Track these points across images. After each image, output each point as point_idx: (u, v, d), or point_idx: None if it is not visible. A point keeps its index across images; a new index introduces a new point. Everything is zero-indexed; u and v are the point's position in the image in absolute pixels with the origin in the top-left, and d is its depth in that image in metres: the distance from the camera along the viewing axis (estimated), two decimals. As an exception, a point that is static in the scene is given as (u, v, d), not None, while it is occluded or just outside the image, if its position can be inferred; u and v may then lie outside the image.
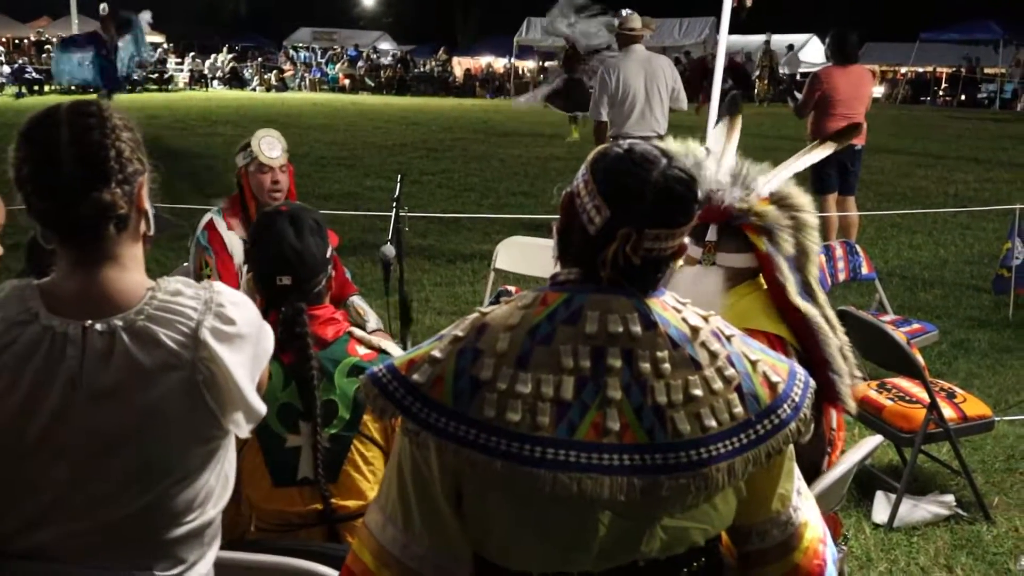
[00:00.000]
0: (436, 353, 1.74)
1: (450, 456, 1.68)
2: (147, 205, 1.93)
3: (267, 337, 2.02)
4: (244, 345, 1.90)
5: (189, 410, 1.84)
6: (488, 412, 1.66)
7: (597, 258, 1.75)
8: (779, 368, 1.82)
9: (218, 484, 1.98)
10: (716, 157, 2.82)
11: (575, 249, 1.81)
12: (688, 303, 1.85)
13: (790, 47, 35.15)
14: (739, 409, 1.72)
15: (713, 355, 1.75)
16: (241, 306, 1.93)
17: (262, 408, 1.93)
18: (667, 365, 1.71)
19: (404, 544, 1.79)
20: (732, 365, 1.75)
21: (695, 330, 1.77)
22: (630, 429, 1.67)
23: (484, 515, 1.75)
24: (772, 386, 1.77)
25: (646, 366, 1.70)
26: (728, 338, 1.81)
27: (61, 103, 1.90)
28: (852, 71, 8.65)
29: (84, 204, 1.81)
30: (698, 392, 1.70)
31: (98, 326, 1.81)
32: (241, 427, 1.93)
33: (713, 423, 1.69)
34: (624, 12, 8.69)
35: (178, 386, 1.82)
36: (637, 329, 1.72)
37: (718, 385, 1.72)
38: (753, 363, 1.78)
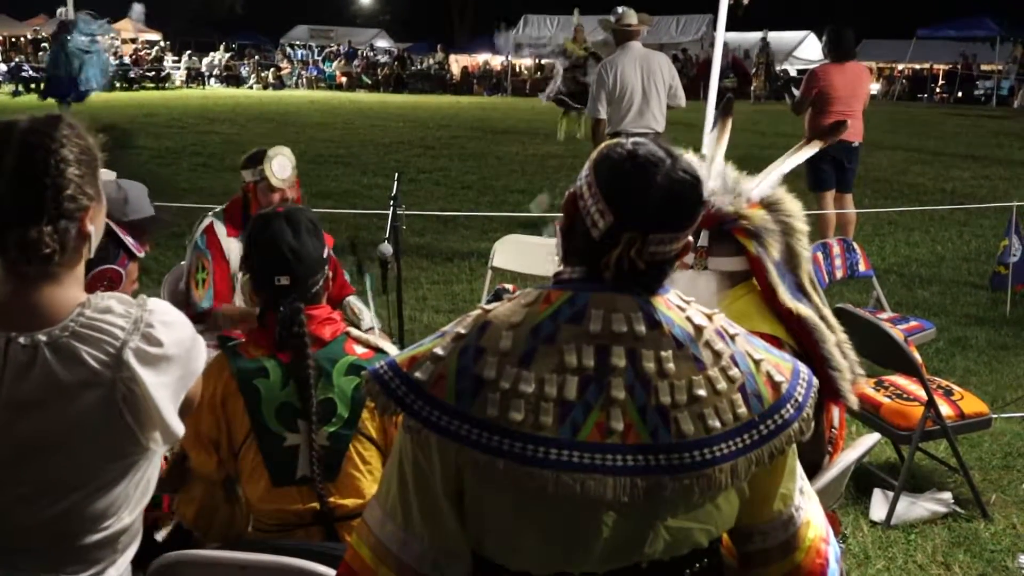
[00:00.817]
0: (438, 350, 1.74)
1: (452, 455, 1.67)
2: (91, 230, 1.92)
3: (197, 356, 2.01)
4: (169, 367, 1.89)
5: (107, 427, 1.84)
6: (491, 411, 1.65)
7: (601, 260, 1.75)
8: (783, 367, 1.81)
9: (136, 491, 1.97)
10: (707, 161, 2.82)
11: (579, 249, 1.79)
12: (692, 301, 1.84)
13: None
14: (743, 409, 1.71)
15: (717, 355, 1.74)
16: (172, 326, 1.93)
17: (180, 429, 1.93)
18: (671, 365, 1.70)
19: (403, 541, 1.78)
20: (736, 365, 1.75)
21: (699, 329, 1.76)
22: (634, 429, 1.66)
23: (485, 514, 1.74)
24: (775, 386, 1.76)
25: (650, 366, 1.69)
26: (732, 337, 1.80)
27: (20, 121, 1.88)
28: (849, 68, 8.64)
29: (12, 234, 1.82)
30: (702, 392, 1.69)
31: (21, 339, 1.81)
32: (159, 445, 1.93)
33: (717, 423, 1.69)
34: (620, 9, 8.66)
35: (96, 403, 1.82)
36: (641, 328, 1.71)
37: (722, 385, 1.71)
38: (757, 362, 1.78)
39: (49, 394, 1.80)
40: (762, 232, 2.69)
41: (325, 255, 2.78)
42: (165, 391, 1.88)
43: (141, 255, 3.38)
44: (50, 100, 15.08)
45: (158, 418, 1.87)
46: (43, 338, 1.82)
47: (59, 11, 17.65)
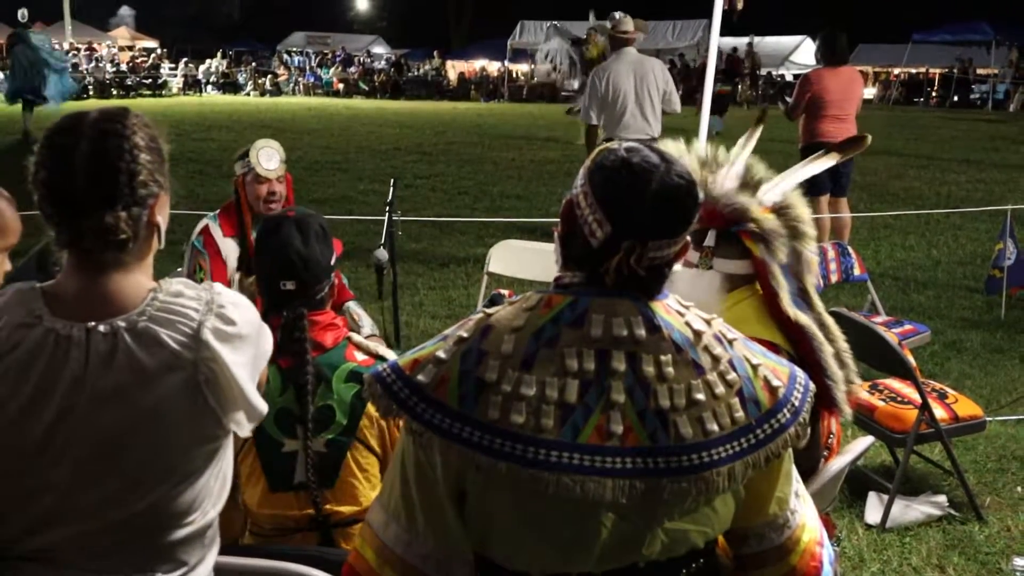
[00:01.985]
0: (440, 354, 1.75)
1: (454, 457, 1.68)
2: (160, 221, 1.95)
3: (266, 338, 2.04)
4: (245, 345, 1.91)
5: (191, 410, 1.85)
6: (492, 414, 1.67)
7: (600, 266, 1.76)
8: (780, 372, 1.83)
9: (216, 484, 1.99)
10: (727, 162, 2.82)
11: (578, 256, 1.81)
12: (691, 306, 1.85)
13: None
14: (740, 413, 1.73)
15: (715, 359, 1.76)
16: (241, 307, 1.95)
17: (263, 407, 1.95)
18: (670, 369, 1.72)
19: (407, 543, 1.79)
20: (734, 369, 1.76)
21: (698, 334, 1.78)
22: (633, 432, 1.68)
23: (487, 515, 1.76)
24: (772, 390, 1.78)
25: (650, 369, 1.71)
26: (730, 342, 1.81)
27: (90, 111, 1.91)
28: (842, 72, 8.65)
29: (88, 221, 1.83)
30: (700, 396, 1.71)
31: (101, 327, 1.82)
32: (243, 426, 1.94)
33: (715, 427, 1.70)
34: (616, 15, 8.68)
35: (180, 386, 1.83)
36: (641, 332, 1.73)
37: (720, 389, 1.73)
38: (754, 367, 1.79)
39: (134, 381, 1.81)
40: (770, 237, 2.69)
41: (333, 262, 2.78)
42: (244, 370, 1.89)
43: None
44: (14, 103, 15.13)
45: (240, 396, 1.88)
46: (122, 324, 1.83)
47: (20, 12, 17.63)
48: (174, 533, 1.92)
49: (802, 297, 2.72)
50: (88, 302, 1.86)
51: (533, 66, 38.17)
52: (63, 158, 1.83)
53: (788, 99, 9.01)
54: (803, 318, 2.66)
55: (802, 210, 2.79)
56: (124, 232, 1.85)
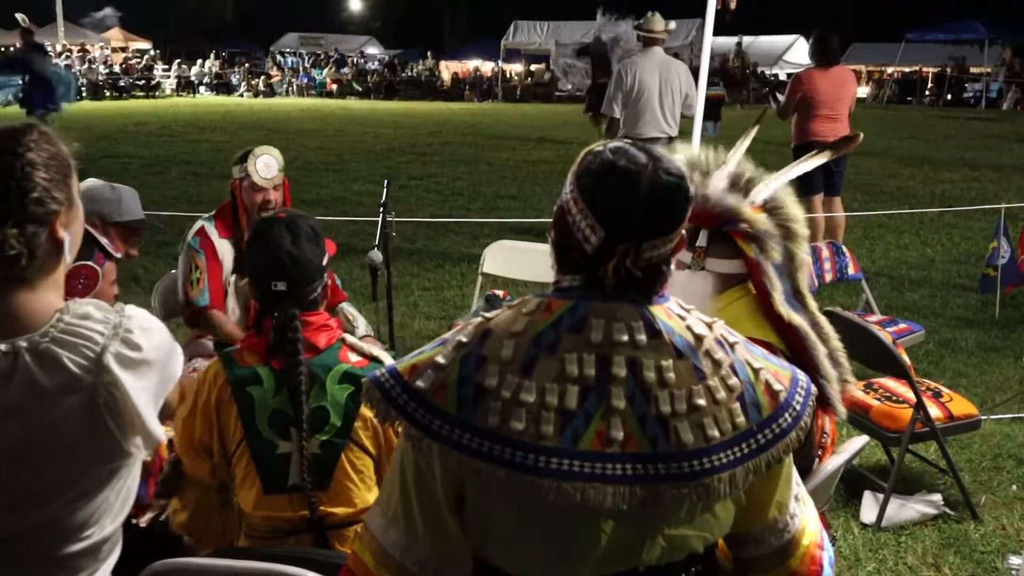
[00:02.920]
0: (439, 359, 1.73)
1: (453, 463, 1.67)
2: (64, 236, 1.94)
3: (175, 362, 2.03)
4: (149, 371, 1.91)
5: (89, 432, 1.86)
6: (492, 420, 1.65)
7: (598, 271, 1.74)
8: (782, 375, 1.81)
9: (118, 500, 1.99)
10: (719, 163, 2.82)
11: (574, 261, 1.78)
12: (692, 309, 1.84)
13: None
14: (741, 419, 1.71)
15: (717, 364, 1.74)
16: (150, 332, 1.95)
17: (161, 435, 1.95)
18: (671, 374, 1.70)
19: (406, 547, 1.78)
20: (735, 374, 1.75)
21: (699, 338, 1.76)
22: (633, 438, 1.66)
23: (486, 520, 1.75)
24: (774, 395, 1.76)
25: (650, 375, 1.69)
26: (732, 346, 1.80)
27: None
28: (834, 72, 8.68)
29: None
30: (701, 402, 1.70)
31: (2, 346, 1.82)
32: (140, 450, 1.95)
33: (716, 433, 1.69)
34: (648, 14, 8.77)
35: (78, 408, 1.83)
36: (642, 338, 1.71)
37: (721, 395, 1.71)
38: (756, 371, 1.78)
39: (31, 400, 1.81)
40: (762, 236, 2.69)
41: (325, 262, 2.78)
42: (145, 395, 1.89)
43: (118, 255, 3.37)
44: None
45: (139, 423, 1.89)
46: (23, 344, 1.83)
47: (20, 17, 17.52)
48: (68, 547, 1.92)
49: (796, 297, 2.72)
50: None
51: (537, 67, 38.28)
52: None
53: (780, 98, 9.02)
54: (796, 318, 2.65)
55: (794, 209, 2.78)
56: (13, 248, 1.85)
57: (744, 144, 2.91)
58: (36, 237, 1.88)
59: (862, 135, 3.09)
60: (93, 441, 1.87)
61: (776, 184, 2.82)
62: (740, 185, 2.77)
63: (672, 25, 8.83)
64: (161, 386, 1.97)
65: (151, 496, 2.95)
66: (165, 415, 2.00)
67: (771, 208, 2.76)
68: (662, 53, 8.69)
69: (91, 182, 3.77)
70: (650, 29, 8.67)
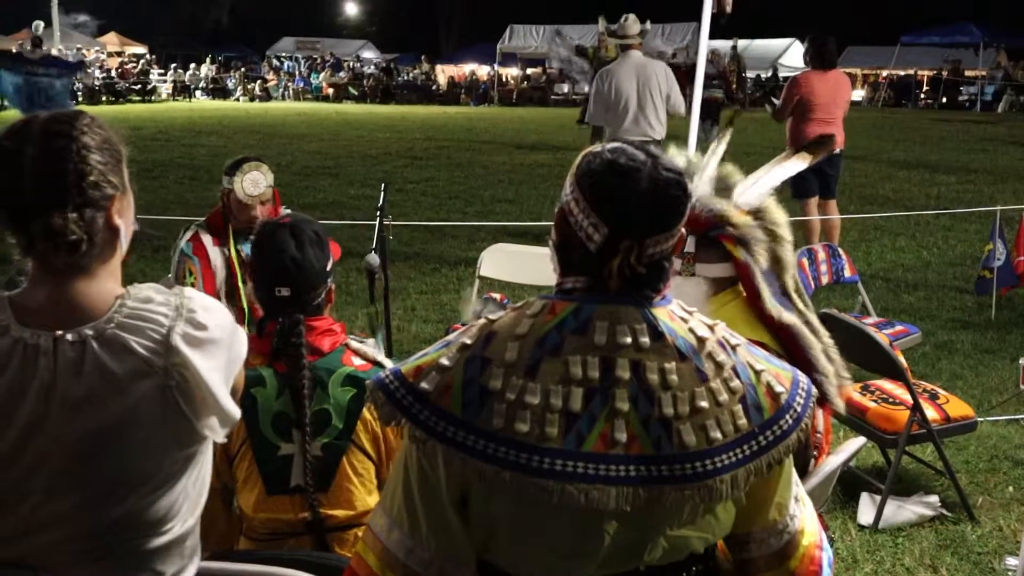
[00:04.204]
0: (444, 361, 1.74)
1: (457, 465, 1.68)
2: (119, 223, 1.92)
3: (240, 341, 2.01)
4: (216, 350, 1.90)
5: (163, 416, 1.84)
6: (497, 422, 1.66)
7: (602, 270, 1.76)
8: (783, 377, 1.82)
9: (195, 491, 1.98)
10: (700, 167, 2.83)
11: (577, 262, 1.79)
12: (695, 312, 1.85)
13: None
14: (743, 421, 1.73)
15: (719, 366, 1.75)
16: (212, 311, 1.93)
17: (236, 412, 1.93)
18: (674, 376, 1.71)
19: (410, 549, 1.79)
20: (737, 376, 1.76)
21: (702, 341, 1.77)
22: (637, 440, 1.67)
23: (489, 522, 1.75)
24: (775, 397, 1.77)
25: (654, 377, 1.70)
26: (734, 348, 1.81)
27: (38, 116, 1.89)
28: (830, 76, 8.69)
29: (36, 224, 1.81)
30: (704, 404, 1.71)
31: (69, 336, 1.81)
32: (216, 432, 1.92)
33: (718, 435, 1.70)
34: (623, 19, 8.76)
35: (151, 392, 1.82)
36: (645, 340, 1.72)
37: (723, 397, 1.73)
38: (758, 373, 1.79)
39: (104, 388, 1.80)
40: (749, 239, 2.70)
41: (329, 267, 2.78)
42: (216, 374, 1.87)
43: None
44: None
45: (213, 402, 1.87)
46: (90, 332, 1.81)
47: (34, 24, 17.52)
48: (152, 541, 1.91)
49: (785, 296, 2.74)
50: (54, 310, 1.84)
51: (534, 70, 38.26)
52: (11, 161, 1.82)
53: (776, 101, 9.04)
54: (788, 316, 2.67)
55: (778, 214, 2.80)
56: (74, 233, 1.82)
57: (720, 147, 2.93)
58: (94, 223, 1.86)
59: (837, 137, 3.10)
60: (168, 425, 1.85)
61: (760, 188, 2.83)
62: (723, 188, 2.79)
63: (648, 26, 8.83)
64: (230, 365, 1.95)
65: None
66: (234, 397, 1.97)
67: (755, 212, 2.78)
68: (639, 56, 8.68)
69: None
70: (624, 35, 8.70)
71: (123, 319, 1.84)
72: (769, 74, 36.51)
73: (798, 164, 3.03)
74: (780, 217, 2.80)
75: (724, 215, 2.72)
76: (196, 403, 1.86)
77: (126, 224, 1.95)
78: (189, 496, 1.96)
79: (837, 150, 8.52)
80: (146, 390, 1.82)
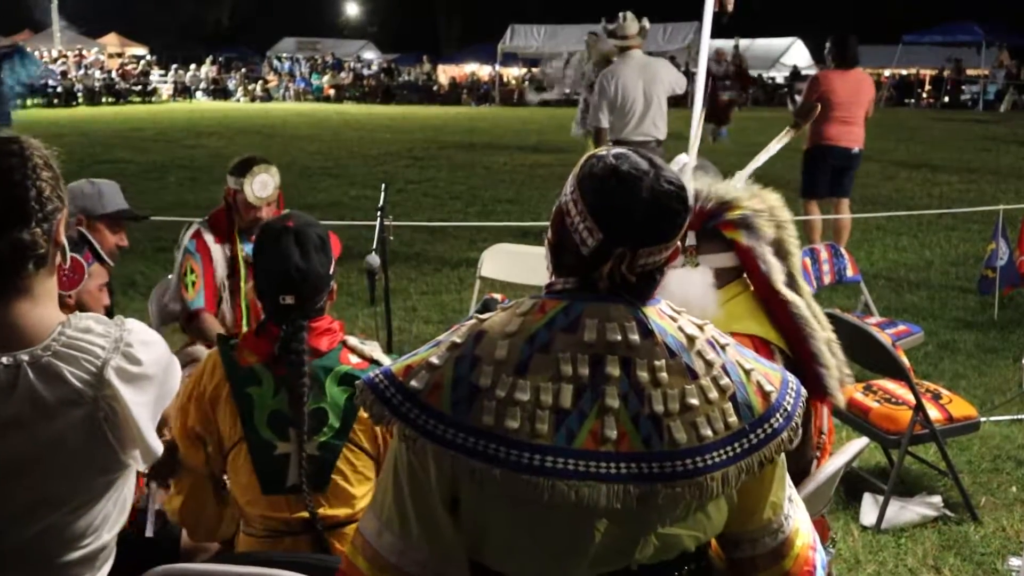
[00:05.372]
0: (434, 359, 1.74)
1: (448, 463, 1.67)
2: (63, 239, 1.96)
3: (174, 376, 2.05)
4: (148, 386, 1.92)
5: (89, 445, 1.87)
6: (487, 419, 1.66)
7: (592, 273, 1.76)
8: (772, 377, 1.82)
9: (115, 509, 2.00)
10: (687, 164, 2.84)
11: (569, 263, 1.80)
12: (684, 312, 1.85)
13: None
14: (733, 418, 1.73)
15: (709, 364, 1.75)
16: (150, 345, 1.96)
17: (159, 448, 1.96)
18: (664, 374, 1.71)
19: (401, 550, 1.78)
20: (727, 374, 1.76)
21: (691, 339, 1.77)
22: (627, 437, 1.67)
23: (481, 520, 1.75)
24: (765, 395, 1.78)
25: (644, 375, 1.70)
26: (723, 347, 1.81)
27: None
28: (851, 75, 8.58)
29: (3, 243, 1.83)
30: (694, 401, 1.71)
31: (3, 359, 1.83)
32: (139, 462, 1.96)
33: (708, 432, 1.70)
34: (620, 17, 8.69)
35: (80, 422, 1.84)
36: (635, 338, 1.72)
37: (713, 394, 1.73)
38: (747, 372, 1.79)
39: (32, 414, 1.82)
40: (750, 219, 2.70)
41: (332, 270, 2.76)
42: (145, 409, 1.90)
43: (111, 263, 3.38)
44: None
45: (138, 436, 1.90)
46: (25, 358, 1.83)
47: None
48: (65, 556, 1.93)
49: (790, 281, 2.73)
50: None
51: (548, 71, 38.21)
52: None
53: (798, 98, 8.98)
54: (797, 300, 2.67)
55: (772, 197, 2.81)
56: (42, 246, 1.87)
57: (694, 146, 2.94)
58: (50, 237, 1.90)
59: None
60: (92, 453, 1.88)
61: (751, 166, 2.85)
62: (711, 180, 2.80)
63: (646, 23, 8.76)
64: (160, 400, 1.98)
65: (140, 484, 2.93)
66: (162, 427, 2.01)
67: (752, 196, 2.78)
68: (641, 56, 8.62)
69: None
70: (624, 35, 8.62)
71: (60, 348, 1.86)
72: (770, 74, 36.51)
73: (788, 137, 3.04)
74: (774, 199, 2.80)
75: (724, 198, 2.73)
76: (122, 435, 1.89)
77: (64, 241, 1.99)
78: (110, 515, 1.99)
79: (856, 149, 8.46)
80: (74, 419, 1.84)
